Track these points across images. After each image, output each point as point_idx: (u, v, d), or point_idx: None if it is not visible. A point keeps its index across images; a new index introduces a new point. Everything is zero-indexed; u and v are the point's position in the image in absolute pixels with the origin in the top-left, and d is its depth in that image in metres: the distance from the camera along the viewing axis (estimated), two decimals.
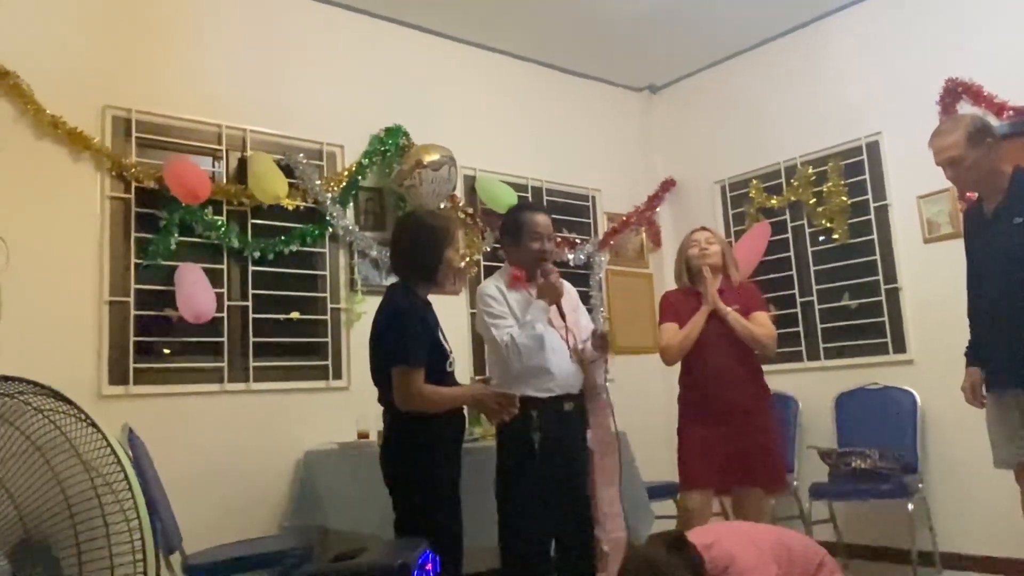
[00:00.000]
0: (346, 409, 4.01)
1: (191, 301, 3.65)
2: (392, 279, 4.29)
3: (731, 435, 3.27)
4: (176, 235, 3.76)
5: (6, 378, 1.24)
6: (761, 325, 3.42)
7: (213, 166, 4.05)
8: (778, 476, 3.42)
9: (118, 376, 3.59)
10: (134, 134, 3.77)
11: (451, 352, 2.85)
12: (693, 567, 2.23)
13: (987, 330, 2.97)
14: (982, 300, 2.99)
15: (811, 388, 4.89)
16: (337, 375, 4.22)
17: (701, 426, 3.33)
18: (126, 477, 1.17)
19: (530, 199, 5.13)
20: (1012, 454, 2.89)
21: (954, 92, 4.34)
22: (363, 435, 3.85)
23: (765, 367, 3.53)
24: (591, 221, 5.55)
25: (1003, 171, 2.91)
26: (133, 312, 3.66)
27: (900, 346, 4.61)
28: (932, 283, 4.37)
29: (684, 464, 3.39)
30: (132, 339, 3.64)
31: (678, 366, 3.52)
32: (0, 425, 1.19)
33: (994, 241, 2.94)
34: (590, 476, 3.03)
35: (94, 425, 1.19)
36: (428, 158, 4.32)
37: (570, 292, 3.23)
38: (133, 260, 3.69)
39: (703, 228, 3.66)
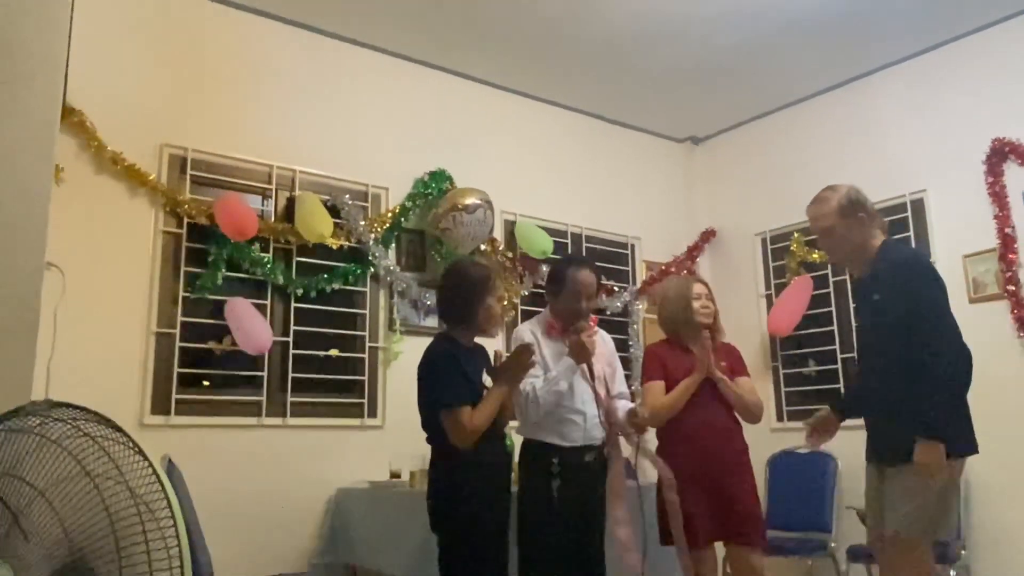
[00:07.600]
0: (379, 448, 4.05)
1: (250, 334, 3.72)
2: (430, 320, 4.43)
3: (713, 489, 3.13)
4: (223, 270, 3.86)
5: (60, 404, 1.29)
6: (750, 392, 3.34)
7: (263, 204, 4.16)
8: (764, 536, 3.29)
9: (160, 406, 3.66)
10: (189, 172, 3.91)
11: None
12: None
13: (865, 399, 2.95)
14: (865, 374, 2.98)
15: (851, 447, 4.68)
16: (372, 413, 4.25)
17: (684, 481, 3.10)
18: (169, 506, 1.21)
19: (570, 246, 5.17)
20: (871, 526, 2.88)
21: (1001, 152, 4.31)
22: (395, 475, 3.86)
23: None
24: (629, 269, 5.56)
25: (872, 246, 2.85)
26: (179, 344, 3.75)
27: None
28: (977, 343, 4.12)
29: (687, 525, 3.12)
30: (176, 370, 3.72)
31: None
32: (54, 450, 1.24)
33: (861, 314, 2.97)
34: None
35: (142, 454, 1.23)
36: (464, 201, 4.37)
37: (606, 342, 3.22)
38: (181, 293, 3.79)
39: (700, 280, 3.48)
